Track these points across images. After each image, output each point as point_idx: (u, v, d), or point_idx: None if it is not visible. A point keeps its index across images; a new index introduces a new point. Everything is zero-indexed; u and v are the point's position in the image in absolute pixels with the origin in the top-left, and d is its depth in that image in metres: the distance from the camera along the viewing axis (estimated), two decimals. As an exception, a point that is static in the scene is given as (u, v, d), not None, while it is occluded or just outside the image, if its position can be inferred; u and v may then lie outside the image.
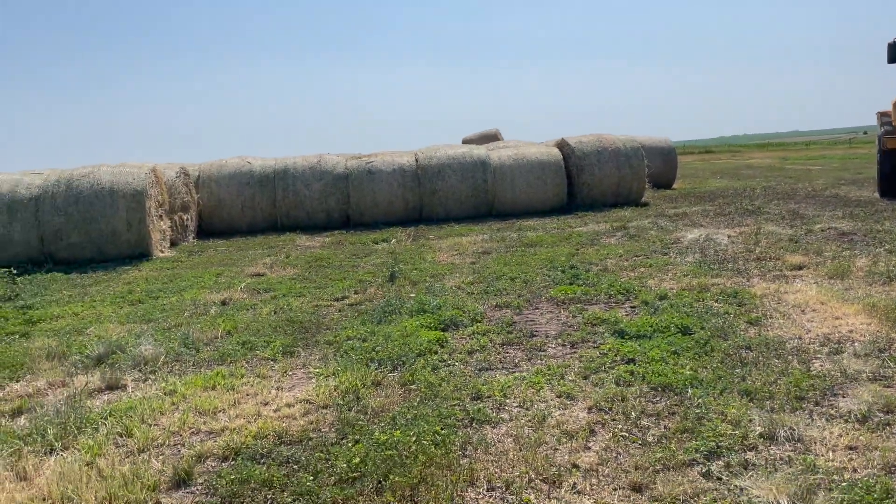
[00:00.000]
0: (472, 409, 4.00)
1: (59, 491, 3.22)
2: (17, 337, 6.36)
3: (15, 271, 9.42)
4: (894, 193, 13.76)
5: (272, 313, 6.70)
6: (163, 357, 5.29)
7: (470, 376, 4.61)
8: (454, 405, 4.10)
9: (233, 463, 3.52)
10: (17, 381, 5.04)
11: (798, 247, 8.66)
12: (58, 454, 3.67)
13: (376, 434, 3.65)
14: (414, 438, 3.51)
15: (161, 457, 3.62)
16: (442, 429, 3.71)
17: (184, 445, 3.78)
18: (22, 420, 4.26)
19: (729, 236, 9.91)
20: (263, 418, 4.05)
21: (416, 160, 15.02)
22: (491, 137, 28.17)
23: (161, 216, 12.05)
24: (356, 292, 7.61)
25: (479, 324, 5.91)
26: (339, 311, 6.81)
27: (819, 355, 4.64)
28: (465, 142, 29.00)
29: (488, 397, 4.21)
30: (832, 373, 4.26)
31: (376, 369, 4.80)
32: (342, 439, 3.71)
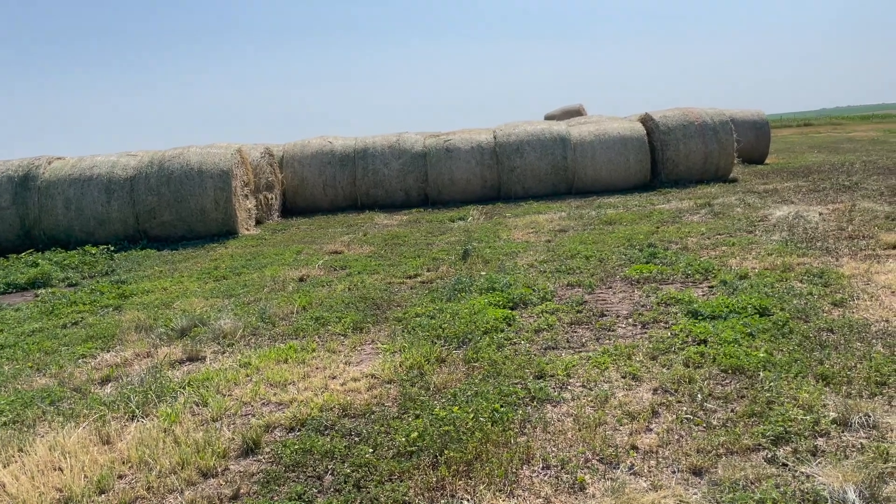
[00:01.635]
0: (533, 388, 3.99)
1: (138, 455, 3.43)
2: (111, 310, 6.78)
3: (112, 248, 10.01)
4: None
5: (346, 290, 6.87)
6: (241, 331, 5.52)
7: (535, 355, 4.60)
8: (516, 383, 4.10)
9: (298, 433, 3.65)
10: (108, 352, 5.38)
11: (895, 224, 8.14)
12: (139, 420, 3.91)
13: (436, 410, 3.71)
14: (472, 415, 3.55)
15: (232, 426, 3.80)
16: (501, 406, 3.72)
17: (254, 415, 3.94)
18: (108, 388, 4.55)
19: (821, 213, 9.41)
20: (330, 391, 4.18)
21: (495, 137, 14.94)
22: (574, 113, 27.69)
23: (247, 195, 12.50)
24: (429, 270, 7.68)
25: (548, 302, 5.87)
26: (411, 288, 6.90)
27: (908, 339, 4.37)
28: (548, 117, 28.62)
29: (551, 376, 4.19)
30: (920, 358, 4.00)
31: (441, 346, 4.85)
32: (403, 414, 3.78)
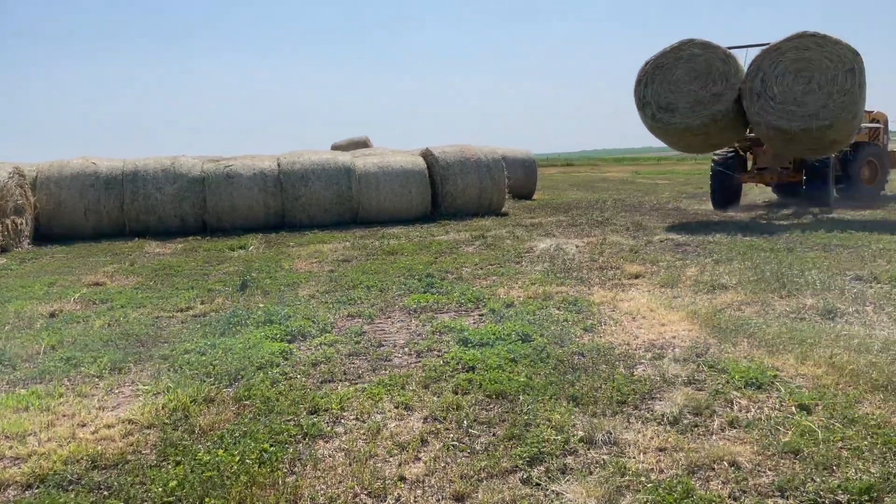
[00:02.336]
0: (306, 424, 3.92)
1: None
2: None
3: None
4: (725, 205, 15.42)
5: (105, 326, 6.30)
6: (-29, 376, 4.83)
7: (310, 389, 4.53)
8: (288, 420, 4.01)
9: (36, 491, 3.25)
10: None
11: (637, 257, 9.21)
12: None
13: (200, 454, 3.50)
14: (238, 458, 3.40)
15: (-47, 489, 3.29)
16: (271, 446, 3.61)
17: (-18, 474, 3.45)
18: None
19: (577, 246, 10.37)
20: (78, 441, 3.78)
21: (279, 165, 14.68)
22: (361, 144, 28.07)
23: (-11, 220, 11.05)
24: (202, 302, 7.30)
25: (328, 334, 5.83)
26: (182, 322, 6.50)
27: (643, 360, 4.93)
28: (335, 147, 28.71)
29: (325, 410, 4.15)
30: (652, 377, 4.53)
31: (211, 385, 4.61)
32: (163, 461, 3.53)
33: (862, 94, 12.18)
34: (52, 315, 6.78)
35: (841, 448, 3.37)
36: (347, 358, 5.24)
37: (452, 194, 15.70)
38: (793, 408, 3.91)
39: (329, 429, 3.90)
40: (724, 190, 15.64)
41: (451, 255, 9.95)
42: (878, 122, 17.33)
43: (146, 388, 4.62)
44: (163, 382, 4.70)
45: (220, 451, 3.48)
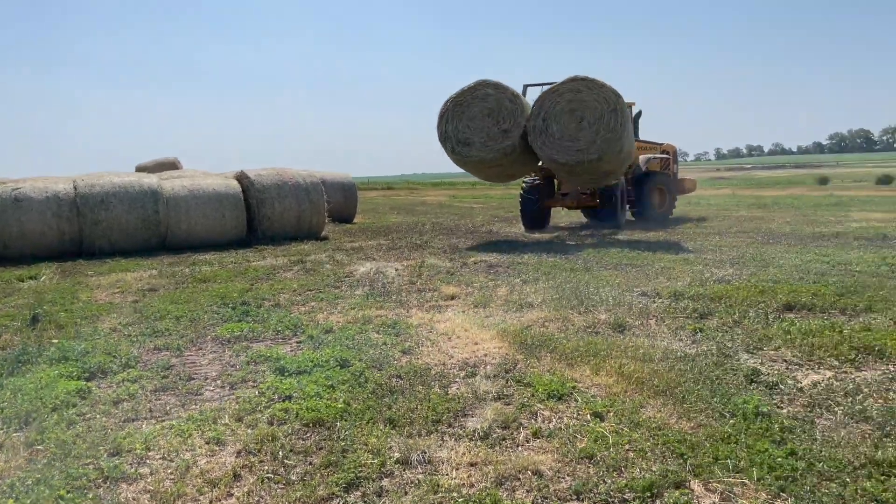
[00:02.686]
0: (107, 467, 3.67)
1: None
2: None
3: None
4: (534, 226, 16.72)
5: None
6: None
7: (112, 430, 4.24)
8: (87, 464, 3.72)
9: None
10: None
11: (453, 278, 9.57)
12: None
13: (-18, 509, 3.16)
14: (27, 509, 3.11)
15: None
16: (68, 492, 3.34)
17: None
18: None
19: (397, 269, 10.58)
20: None
21: (75, 188, 13.56)
22: (169, 166, 26.66)
23: None
24: (-15, 339, 6.57)
25: (131, 370, 5.48)
26: (-41, 364, 5.80)
27: (457, 379, 5.14)
28: (139, 169, 27.03)
29: (129, 451, 3.91)
30: (465, 395, 4.74)
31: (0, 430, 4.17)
32: (-64, 521, 3.14)
33: (625, 130, 13.58)
34: None
35: (628, 450, 3.74)
36: (153, 394, 4.96)
37: (270, 218, 15.37)
38: (588, 415, 4.27)
39: (133, 470, 3.68)
40: (533, 213, 17.07)
41: (269, 282, 9.73)
42: (667, 153, 19.68)
43: (-88, 440, 4.07)
44: (-66, 433, 4.17)
45: (11, 501, 3.16)
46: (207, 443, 4.04)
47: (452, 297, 8.27)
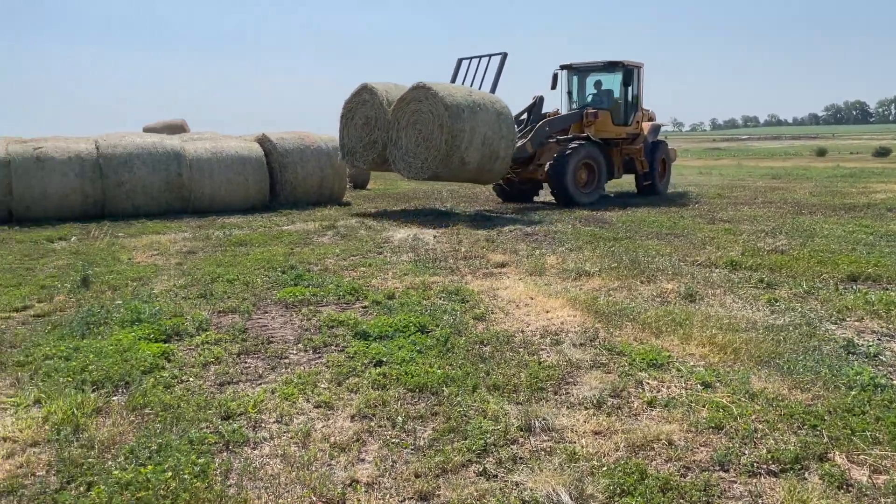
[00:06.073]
0: (226, 431, 3.59)
1: None
2: None
3: None
4: (506, 198, 16.32)
5: (-71, 331, 5.35)
6: None
7: (212, 393, 4.16)
8: (203, 428, 3.65)
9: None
10: None
11: (496, 246, 9.47)
12: None
13: (115, 473, 3.08)
14: (170, 473, 3.03)
15: None
16: (198, 457, 3.26)
17: None
18: None
19: (434, 236, 10.46)
20: (-50, 470, 3.17)
21: (97, 148, 13.31)
22: (177, 128, 26.28)
23: None
24: (40, 301, 6.46)
25: (206, 332, 5.38)
26: (23, 324, 5.70)
27: (544, 347, 5.07)
28: (147, 130, 26.62)
29: (241, 415, 3.83)
30: (560, 363, 4.67)
31: (94, 393, 4.08)
32: (68, 483, 3.06)
33: (455, 143, 12.16)
34: None
35: (755, 421, 3.69)
36: (239, 357, 4.87)
37: (292, 182, 15.19)
38: (698, 385, 4.21)
39: (253, 434, 3.61)
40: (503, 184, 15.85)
41: (308, 247, 9.61)
42: (652, 120, 18.19)
43: (14, 400, 3.98)
44: (31, 393, 4.07)
45: (147, 468, 3.08)
46: (317, 407, 3.97)
47: (503, 265, 8.18)
